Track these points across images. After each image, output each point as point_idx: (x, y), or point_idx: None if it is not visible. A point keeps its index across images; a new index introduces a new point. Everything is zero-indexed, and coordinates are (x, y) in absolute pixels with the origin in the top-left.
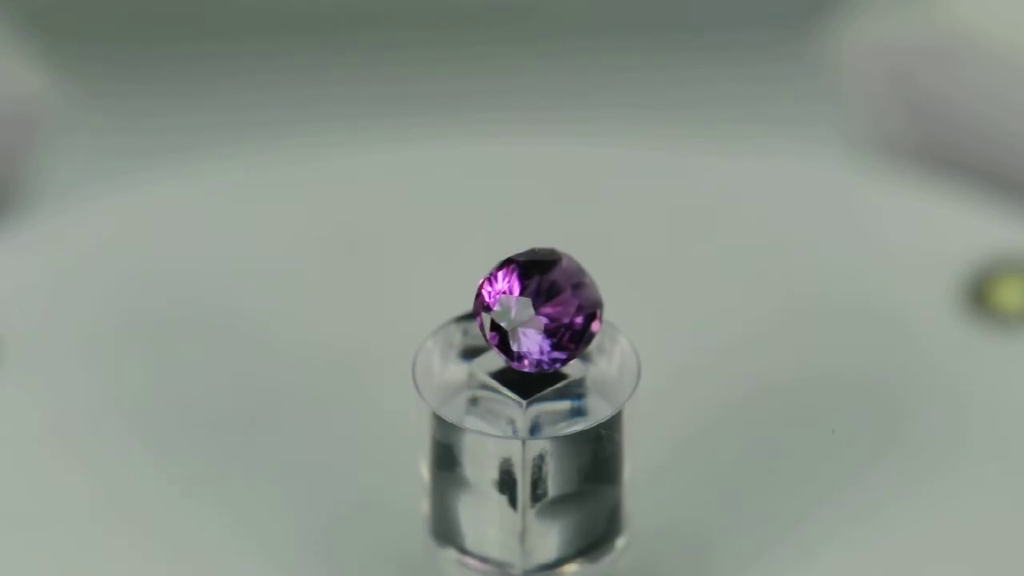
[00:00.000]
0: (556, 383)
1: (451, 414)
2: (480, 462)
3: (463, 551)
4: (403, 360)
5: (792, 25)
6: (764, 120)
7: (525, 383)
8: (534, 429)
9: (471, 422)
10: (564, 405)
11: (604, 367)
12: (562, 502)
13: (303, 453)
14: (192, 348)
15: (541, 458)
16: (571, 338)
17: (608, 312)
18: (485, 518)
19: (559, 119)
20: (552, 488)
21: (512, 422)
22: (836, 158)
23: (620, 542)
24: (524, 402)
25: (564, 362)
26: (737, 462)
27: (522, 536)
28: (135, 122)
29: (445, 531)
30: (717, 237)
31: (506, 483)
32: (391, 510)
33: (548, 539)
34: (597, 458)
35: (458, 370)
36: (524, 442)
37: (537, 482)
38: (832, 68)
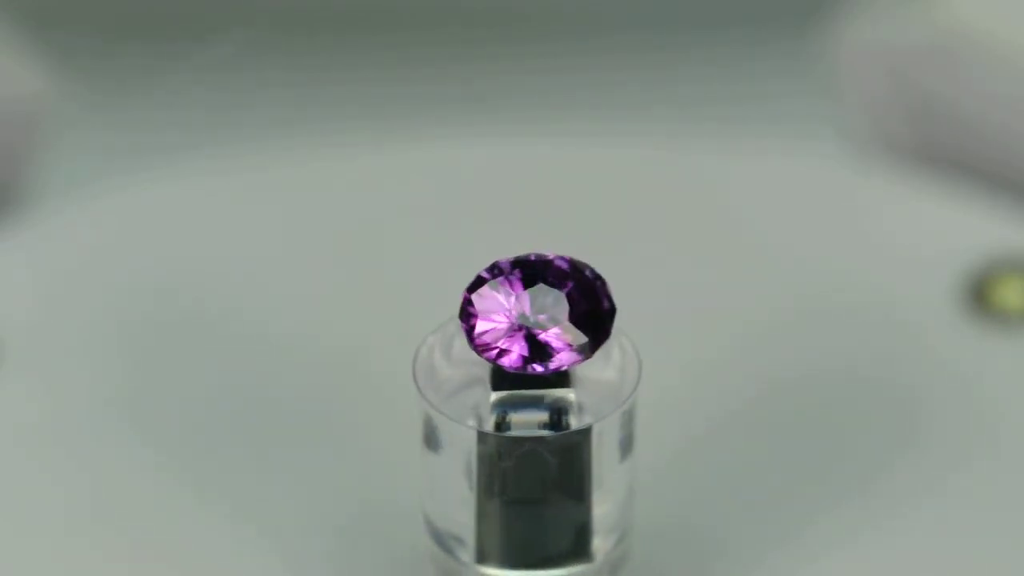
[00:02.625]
0: (544, 386)
1: (440, 400)
2: (454, 446)
3: (434, 529)
4: (403, 358)
5: (792, 25)
6: (764, 120)
7: (517, 379)
8: (501, 425)
9: (459, 404)
10: (541, 413)
11: (604, 372)
12: (519, 505)
13: (303, 452)
14: (192, 348)
15: (498, 455)
16: (543, 351)
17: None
18: (451, 501)
19: (559, 119)
20: (511, 488)
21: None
22: (836, 158)
23: (582, 569)
24: (492, 394)
25: (544, 368)
26: (742, 463)
27: (476, 528)
28: (135, 122)
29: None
30: (716, 237)
31: (469, 472)
32: (391, 509)
33: (502, 538)
34: (563, 470)
35: (458, 366)
36: (478, 433)
37: (493, 477)
38: (832, 68)
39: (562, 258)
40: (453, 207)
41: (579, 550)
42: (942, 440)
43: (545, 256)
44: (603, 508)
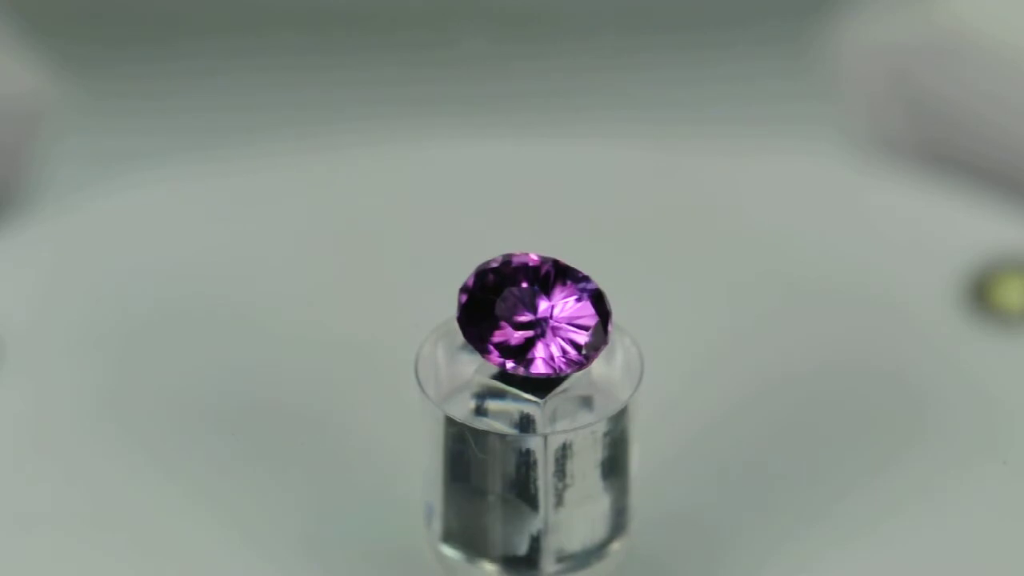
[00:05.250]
0: (525, 383)
1: (441, 397)
2: (435, 426)
3: (430, 518)
4: (405, 357)
5: (792, 25)
6: (764, 119)
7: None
8: (478, 409)
9: (459, 402)
10: (514, 406)
11: (605, 371)
12: (478, 495)
13: (304, 452)
14: (192, 348)
15: (462, 440)
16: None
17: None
18: (430, 477)
19: (559, 119)
20: (473, 476)
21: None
22: (836, 157)
23: None
24: (479, 376)
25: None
26: (746, 458)
27: (442, 508)
28: (135, 122)
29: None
30: (718, 236)
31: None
32: (391, 506)
33: (462, 525)
34: (520, 473)
35: (461, 364)
36: (443, 414)
37: (457, 459)
38: (832, 68)
39: (588, 278)
40: (453, 207)
41: (531, 559)
42: (943, 439)
43: (562, 262)
44: (566, 526)
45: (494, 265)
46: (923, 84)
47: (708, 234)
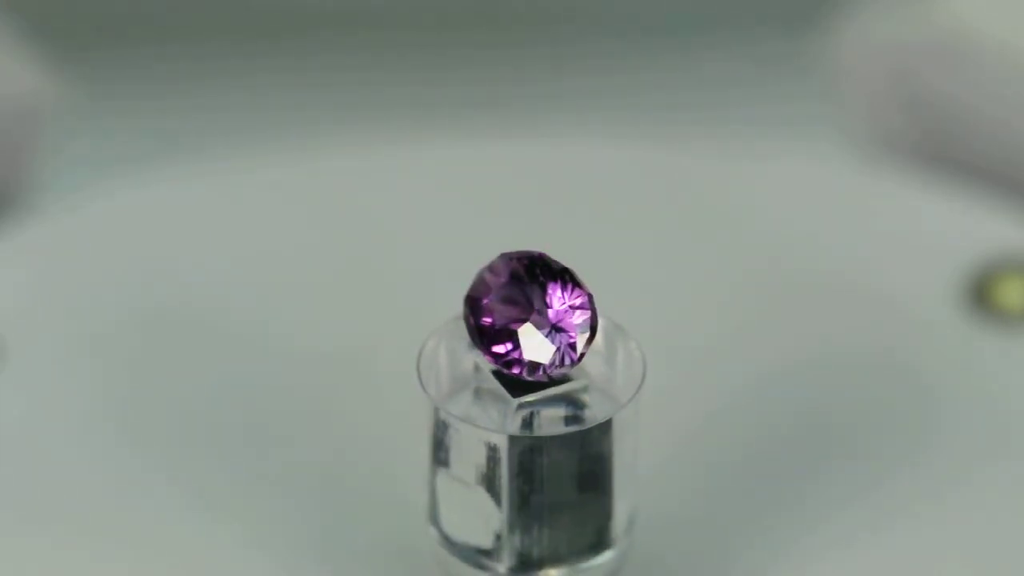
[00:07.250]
0: (511, 380)
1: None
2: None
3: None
4: (406, 357)
5: (792, 25)
6: (764, 119)
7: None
8: (477, 391)
9: (461, 400)
10: (507, 398)
11: (607, 379)
12: (454, 481)
13: (305, 452)
14: (192, 348)
15: (444, 427)
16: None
17: (611, 312)
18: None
19: (559, 119)
20: (453, 463)
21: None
22: (836, 157)
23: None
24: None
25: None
26: (744, 459)
27: (429, 492)
28: (135, 122)
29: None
30: (718, 236)
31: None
32: (393, 506)
33: (439, 510)
34: (488, 468)
35: (463, 363)
36: (434, 404)
37: (439, 444)
38: (832, 68)
39: (586, 292)
40: (453, 207)
41: (492, 554)
42: (943, 439)
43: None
44: (530, 530)
45: (524, 259)
46: (923, 84)
47: (708, 234)
